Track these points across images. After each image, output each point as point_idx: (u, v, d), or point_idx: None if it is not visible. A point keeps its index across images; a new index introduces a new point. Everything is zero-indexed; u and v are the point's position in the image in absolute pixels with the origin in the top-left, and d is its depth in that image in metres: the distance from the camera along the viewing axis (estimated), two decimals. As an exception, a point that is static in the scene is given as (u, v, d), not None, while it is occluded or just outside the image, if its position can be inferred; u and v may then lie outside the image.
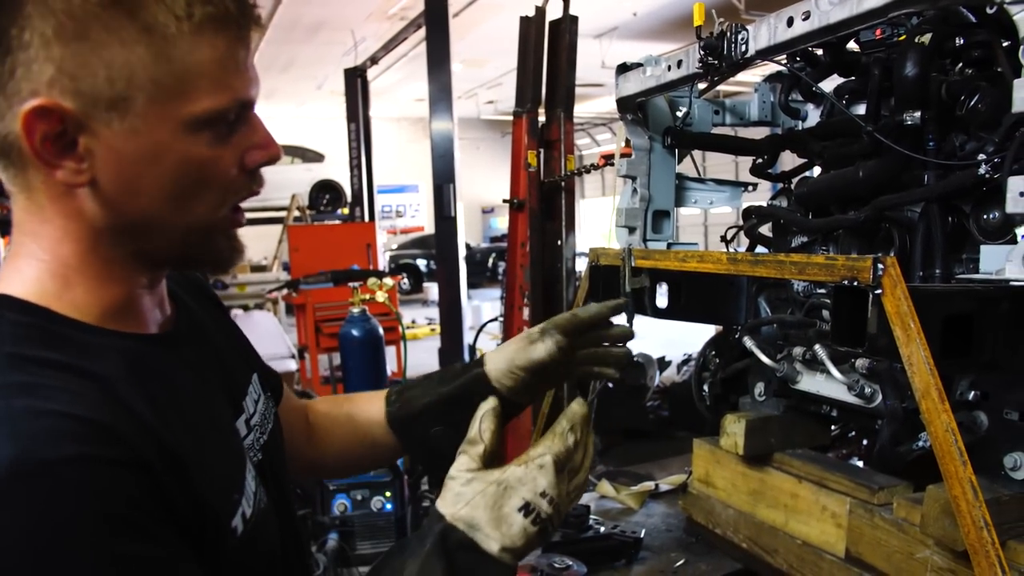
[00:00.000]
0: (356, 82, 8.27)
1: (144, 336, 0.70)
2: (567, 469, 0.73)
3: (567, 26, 3.65)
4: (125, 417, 0.59)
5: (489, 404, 0.77)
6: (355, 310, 3.43)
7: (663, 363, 5.62)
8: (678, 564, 1.54)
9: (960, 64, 1.15)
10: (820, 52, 1.39)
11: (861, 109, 1.31)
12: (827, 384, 1.28)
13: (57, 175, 0.62)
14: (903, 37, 1.12)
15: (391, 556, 0.72)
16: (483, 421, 0.74)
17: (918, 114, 1.09)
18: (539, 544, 0.73)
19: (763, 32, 1.19)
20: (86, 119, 0.60)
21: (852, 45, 1.32)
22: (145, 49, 0.60)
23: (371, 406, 1.01)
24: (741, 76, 1.45)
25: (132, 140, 0.61)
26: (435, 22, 5.80)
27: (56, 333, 0.63)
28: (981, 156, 1.01)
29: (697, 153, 1.97)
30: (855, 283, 0.95)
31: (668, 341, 5.19)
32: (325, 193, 11.51)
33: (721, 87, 1.57)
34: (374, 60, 8.60)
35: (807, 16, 1.07)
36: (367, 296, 3.32)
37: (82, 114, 0.60)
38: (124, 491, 0.55)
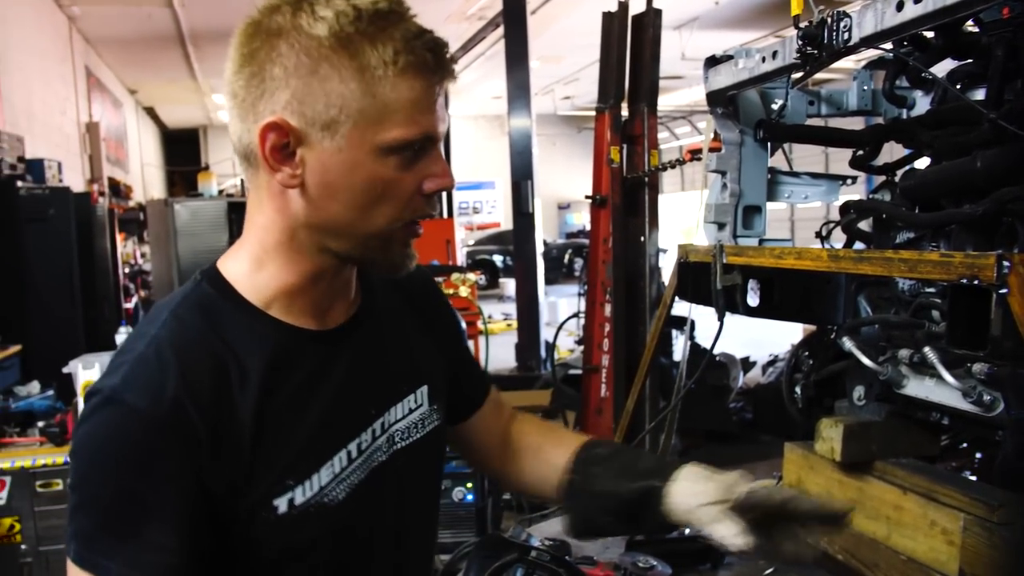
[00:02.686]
0: (435, 81, 8.40)
1: (296, 329, 0.83)
2: None
3: (651, 20, 3.59)
4: (207, 397, 0.75)
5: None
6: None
7: (747, 363, 5.45)
8: (767, 573, 1.48)
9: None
10: (931, 34, 1.30)
11: (979, 95, 1.22)
12: (937, 389, 1.20)
13: (277, 177, 0.77)
14: (1034, 15, 1.03)
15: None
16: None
17: (1049, 98, 1.01)
18: None
19: (869, 18, 1.12)
20: (305, 136, 0.75)
21: (969, 24, 1.23)
22: (357, 85, 0.74)
23: (559, 452, 1.06)
24: (836, 63, 1.38)
25: (336, 156, 0.76)
26: (513, 20, 5.83)
27: (222, 308, 0.81)
28: None
29: (786, 145, 1.90)
30: (975, 282, 0.89)
31: (752, 341, 5.03)
32: (405, 191, 11.75)
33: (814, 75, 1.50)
34: (453, 60, 8.71)
35: (920, -1, 1.01)
36: (450, 291, 3.36)
37: (302, 132, 0.75)
38: (164, 447, 0.73)
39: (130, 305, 7.49)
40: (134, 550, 0.73)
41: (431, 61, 0.77)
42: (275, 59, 0.74)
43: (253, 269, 0.82)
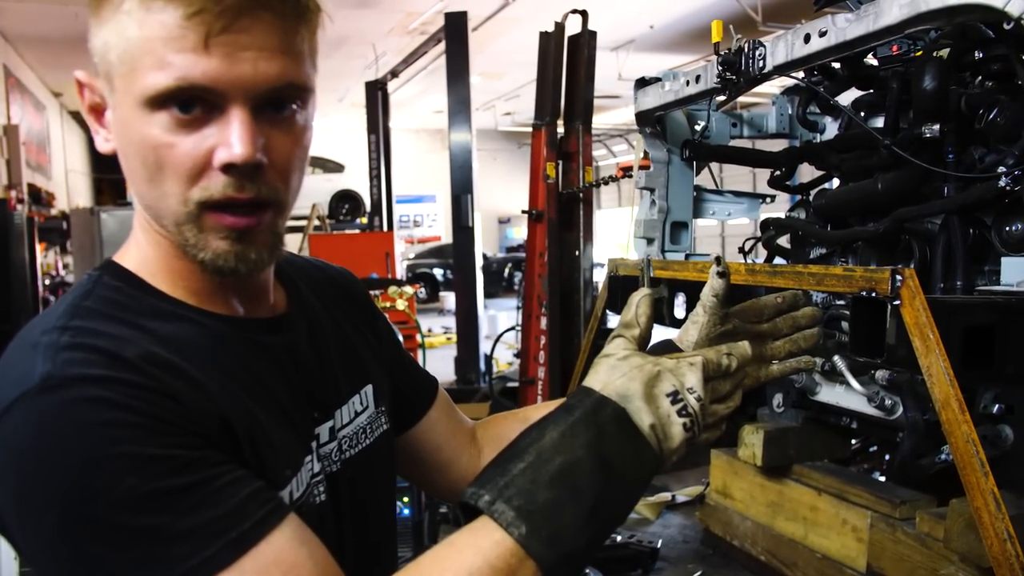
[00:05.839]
0: (376, 95, 8.39)
1: (226, 316, 0.70)
2: (711, 385, 0.69)
3: (585, 41, 3.68)
4: (166, 368, 0.60)
5: (644, 291, 0.73)
6: (374, 319, 3.40)
7: (680, 374, 5.57)
8: (696, 575, 1.54)
9: (980, 77, 1.15)
10: (838, 66, 1.39)
11: (879, 122, 1.31)
12: (846, 395, 1.28)
13: (96, 141, 0.69)
14: (919, 52, 1.12)
15: (531, 428, 0.65)
16: (639, 306, 0.72)
17: (937, 127, 1.09)
18: (683, 448, 0.65)
19: (780, 48, 1.20)
20: (104, 92, 0.66)
21: (871, 58, 1.33)
22: (114, 26, 0.62)
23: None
24: (760, 87, 1.46)
25: (115, 113, 0.66)
26: (454, 36, 5.87)
27: (137, 298, 0.66)
28: (1001, 168, 1.01)
29: (715, 165, 1.99)
30: (873, 294, 0.95)
31: (686, 353, 5.13)
32: (345, 203, 11.60)
33: (739, 98, 1.58)
34: (394, 73, 8.71)
35: (824, 33, 1.08)
36: (387, 304, 3.33)
37: (101, 87, 0.66)
38: (149, 406, 0.57)
39: (50, 318, 7.22)
40: (231, 516, 0.56)
41: None
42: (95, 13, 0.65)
43: (162, 259, 0.70)
